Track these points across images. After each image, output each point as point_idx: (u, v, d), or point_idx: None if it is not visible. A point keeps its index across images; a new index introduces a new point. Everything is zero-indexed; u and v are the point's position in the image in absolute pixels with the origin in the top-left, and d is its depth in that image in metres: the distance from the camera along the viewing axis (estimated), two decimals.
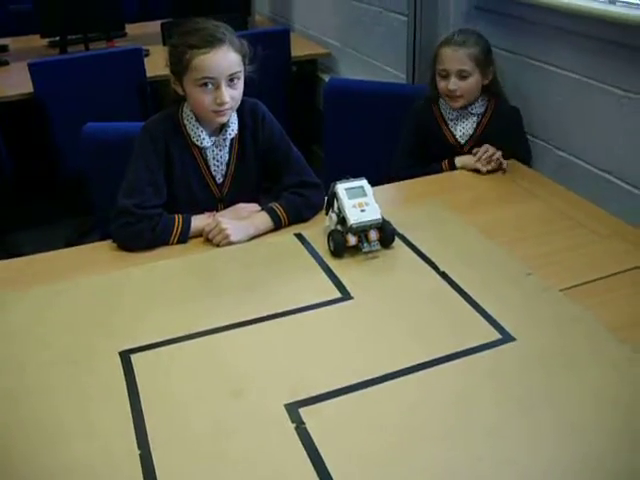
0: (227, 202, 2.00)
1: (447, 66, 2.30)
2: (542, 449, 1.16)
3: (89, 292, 1.65)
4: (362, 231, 1.72)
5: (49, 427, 1.25)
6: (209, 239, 1.85)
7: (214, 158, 1.98)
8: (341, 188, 1.74)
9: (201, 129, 1.92)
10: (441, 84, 2.34)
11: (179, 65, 1.84)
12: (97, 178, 2.25)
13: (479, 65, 2.30)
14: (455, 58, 2.28)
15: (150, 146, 1.90)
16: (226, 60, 1.80)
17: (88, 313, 1.57)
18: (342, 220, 1.73)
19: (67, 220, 3.71)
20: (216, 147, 1.97)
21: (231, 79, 1.83)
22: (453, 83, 2.29)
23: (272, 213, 1.89)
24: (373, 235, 1.72)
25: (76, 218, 3.61)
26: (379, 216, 1.72)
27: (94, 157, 2.23)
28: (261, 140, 2.00)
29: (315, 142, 3.33)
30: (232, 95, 1.84)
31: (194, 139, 1.93)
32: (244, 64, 1.87)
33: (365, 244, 1.72)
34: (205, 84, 1.81)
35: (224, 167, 2.00)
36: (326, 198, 1.82)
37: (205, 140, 1.93)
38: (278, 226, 1.90)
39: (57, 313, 1.57)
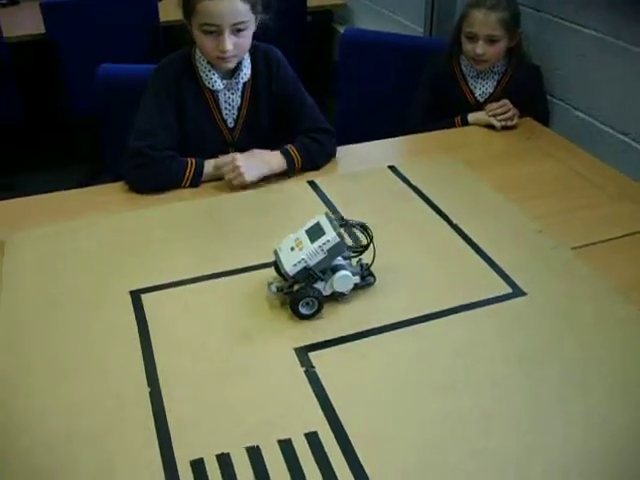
0: (238, 147, 1.98)
1: (476, 30, 2.25)
2: (546, 405, 1.17)
3: (100, 232, 1.65)
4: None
5: (59, 365, 1.26)
6: (223, 177, 1.84)
7: (226, 101, 1.96)
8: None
9: (213, 72, 1.90)
10: (467, 46, 2.29)
11: (187, 8, 1.81)
12: (110, 120, 2.23)
13: (508, 30, 2.25)
14: (485, 23, 2.23)
15: (163, 87, 1.89)
16: (231, 9, 1.76)
17: (99, 252, 1.57)
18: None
19: (77, 164, 3.69)
20: (228, 90, 1.95)
21: (237, 29, 1.79)
22: (481, 47, 2.25)
23: (287, 155, 1.88)
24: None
25: (87, 162, 3.60)
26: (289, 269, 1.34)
27: (108, 98, 2.21)
28: (274, 86, 1.97)
29: (327, 94, 3.30)
30: (237, 43, 1.81)
31: (206, 81, 1.91)
32: (254, 12, 1.83)
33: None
34: (209, 30, 1.79)
35: (235, 111, 1.98)
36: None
37: (217, 83, 1.91)
38: (291, 168, 1.88)
39: (67, 252, 1.58)
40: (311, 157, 1.92)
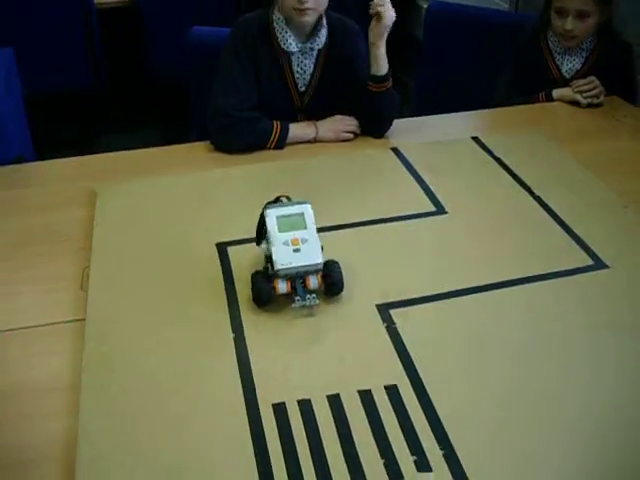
0: (307, 112, 2.00)
1: (566, 4, 2.19)
2: (625, 375, 1.17)
3: (186, 187, 1.69)
4: (297, 276, 1.28)
5: (147, 312, 1.31)
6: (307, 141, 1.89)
7: (298, 65, 1.97)
8: (271, 215, 1.30)
9: (289, 33, 1.90)
10: (557, 22, 2.25)
11: None
12: (198, 83, 2.27)
13: (599, 4, 2.19)
14: None
15: (241, 46, 1.90)
16: None
17: (185, 206, 1.62)
18: (269, 258, 1.29)
19: (161, 129, 3.76)
20: (302, 54, 1.95)
21: None
22: (571, 23, 2.19)
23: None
24: (312, 283, 1.28)
25: (171, 127, 3.66)
26: (319, 259, 1.27)
27: (197, 61, 2.25)
28: (347, 58, 1.97)
29: (403, 70, 3.27)
30: None
31: (281, 42, 1.91)
32: None
33: (299, 296, 1.26)
34: None
35: (308, 76, 1.98)
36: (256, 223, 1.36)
37: (292, 45, 1.91)
38: (389, 74, 1.91)
39: (155, 205, 1.63)
40: (392, 95, 1.94)
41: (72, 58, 3.36)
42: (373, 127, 1.97)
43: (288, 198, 1.34)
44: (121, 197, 1.65)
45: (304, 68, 1.97)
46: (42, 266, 1.46)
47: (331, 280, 1.30)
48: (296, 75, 1.98)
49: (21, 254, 1.50)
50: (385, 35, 1.85)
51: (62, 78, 3.37)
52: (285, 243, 1.27)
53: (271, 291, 1.27)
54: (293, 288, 1.27)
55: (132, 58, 3.51)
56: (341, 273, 1.30)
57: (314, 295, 1.26)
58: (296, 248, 1.26)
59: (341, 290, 1.31)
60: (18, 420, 1.11)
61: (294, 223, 1.29)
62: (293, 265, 1.25)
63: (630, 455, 1.03)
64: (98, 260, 1.44)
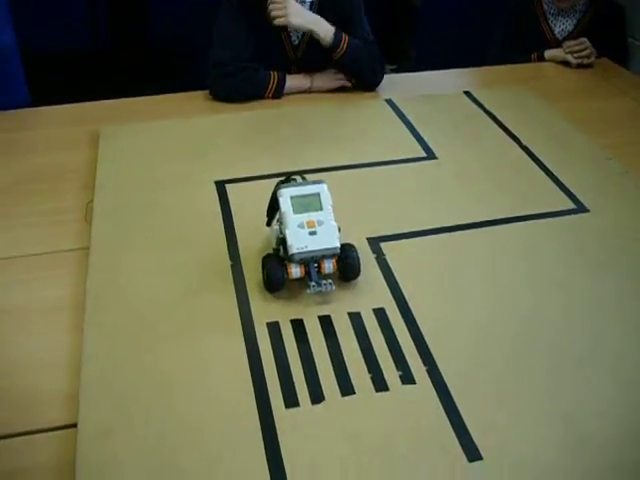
0: (301, 65, 2.04)
1: None
2: (604, 307, 1.23)
3: (186, 131, 1.76)
4: (312, 261, 1.22)
5: (148, 239, 1.38)
6: (303, 91, 1.93)
7: None
8: (285, 195, 1.21)
9: None
10: None
11: None
12: (200, 40, 2.29)
13: None
14: None
15: None
16: None
17: (186, 148, 1.68)
18: (283, 241, 1.22)
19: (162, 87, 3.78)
20: None
21: None
22: None
23: (338, 32, 1.92)
24: (328, 267, 1.21)
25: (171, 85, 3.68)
26: (336, 243, 1.20)
27: (199, 20, 2.27)
28: (340, 11, 1.99)
29: (402, 34, 3.31)
30: None
31: None
32: None
33: (314, 282, 1.19)
34: None
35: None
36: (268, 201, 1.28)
37: None
38: (335, 44, 1.92)
39: (157, 145, 1.70)
40: (357, 51, 1.94)
41: (71, 15, 3.38)
42: (359, 81, 2.01)
43: (302, 177, 1.25)
44: (124, 137, 1.71)
45: None
46: (47, 201, 1.52)
47: (347, 265, 1.23)
48: (289, 28, 2.00)
49: (26, 190, 1.56)
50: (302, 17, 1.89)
51: (61, 36, 3.40)
52: (300, 225, 1.19)
53: (284, 276, 1.21)
54: (307, 273, 1.21)
55: (134, 16, 3.53)
56: (358, 257, 1.24)
57: (330, 281, 1.20)
58: (312, 231, 1.19)
59: (358, 275, 1.25)
60: (24, 336, 1.17)
61: (309, 204, 1.20)
62: (309, 249, 1.18)
63: (601, 383, 1.09)
64: (102, 194, 1.50)
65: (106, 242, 1.36)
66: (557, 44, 2.33)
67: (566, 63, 2.25)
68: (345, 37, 1.92)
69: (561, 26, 2.36)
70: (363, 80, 2.01)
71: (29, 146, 1.74)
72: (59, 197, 1.53)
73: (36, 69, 2.46)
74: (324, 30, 1.91)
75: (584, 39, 2.24)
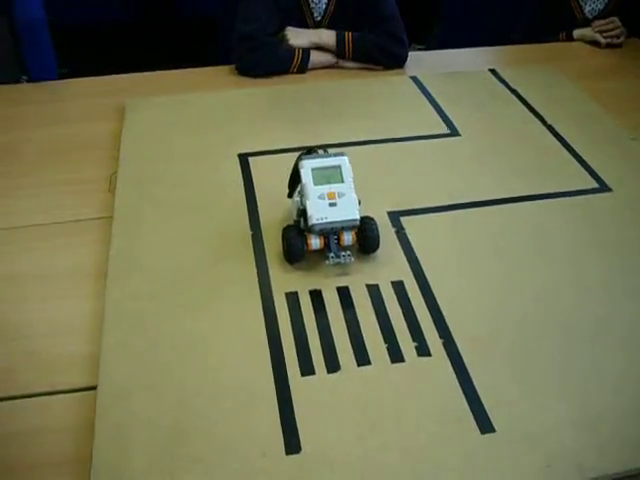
0: None
1: None
2: (617, 284, 1.23)
3: (211, 105, 1.76)
4: (331, 232, 1.23)
5: (171, 209, 1.39)
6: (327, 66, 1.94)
7: None
8: (306, 167, 1.22)
9: None
10: None
11: None
12: (228, 16, 2.29)
13: None
14: None
15: None
16: None
17: (210, 121, 1.69)
18: (303, 212, 1.23)
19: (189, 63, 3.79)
20: None
21: None
22: None
23: (340, 36, 1.95)
24: (347, 239, 1.22)
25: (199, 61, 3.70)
26: (356, 215, 1.21)
27: None
28: None
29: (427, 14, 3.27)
30: None
31: None
32: None
33: (333, 253, 1.21)
34: None
35: (323, 6, 2.02)
36: (289, 173, 1.29)
37: None
38: (341, 50, 1.95)
39: (181, 118, 1.71)
40: (366, 49, 1.96)
41: None
42: (380, 65, 2.01)
43: (324, 150, 1.26)
44: (149, 110, 1.72)
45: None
46: (71, 171, 1.54)
47: (367, 237, 1.24)
48: (311, 5, 2.02)
49: (51, 160, 1.58)
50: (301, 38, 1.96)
51: (92, 10, 3.42)
52: (320, 197, 1.19)
53: (303, 247, 1.22)
54: (326, 244, 1.22)
55: None
56: (378, 230, 1.24)
57: (349, 252, 1.21)
58: (332, 202, 1.19)
59: (377, 247, 1.26)
60: (47, 301, 1.19)
61: (330, 176, 1.21)
62: (329, 220, 1.19)
63: (614, 358, 1.09)
64: (126, 165, 1.52)
65: (129, 211, 1.38)
66: (586, 23, 2.30)
67: (595, 43, 2.22)
68: (348, 35, 1.94)
69: (591, 5, 2.32)
70: (384, 65, 2.00)
71: (57, 117, 1.77)
72: (84, 167, 1.55)
73: (68, 42, 2.49)
74: (326, 35, 1.95)
75: (614, 18, 2.21)
